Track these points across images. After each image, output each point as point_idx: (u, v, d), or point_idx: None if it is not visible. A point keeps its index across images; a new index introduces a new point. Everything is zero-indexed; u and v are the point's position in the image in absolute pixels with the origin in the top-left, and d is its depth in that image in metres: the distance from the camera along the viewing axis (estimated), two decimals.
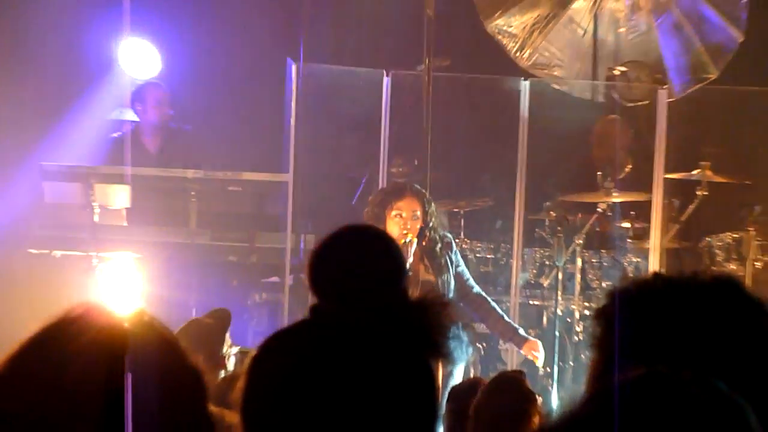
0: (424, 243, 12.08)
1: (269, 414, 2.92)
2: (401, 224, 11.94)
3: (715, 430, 2.34)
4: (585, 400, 2.44)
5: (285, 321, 13.71)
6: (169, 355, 2.88)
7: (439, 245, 12.20)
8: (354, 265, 5.01)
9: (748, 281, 14.11)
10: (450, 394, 8.77)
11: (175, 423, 2.75)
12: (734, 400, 2.39)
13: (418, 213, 12.05)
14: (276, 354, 3.02)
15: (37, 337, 2.80)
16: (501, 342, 14.00)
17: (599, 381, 3.19)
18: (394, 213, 12.00)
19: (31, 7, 15.50)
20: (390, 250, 5.48)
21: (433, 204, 12.25)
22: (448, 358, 3.04)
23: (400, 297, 3.36)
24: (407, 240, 11.83)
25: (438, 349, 3.00)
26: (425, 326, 2.98)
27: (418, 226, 12.00)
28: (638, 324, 3.20)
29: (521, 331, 12.19)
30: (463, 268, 12.40)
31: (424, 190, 12.35)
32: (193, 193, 14.16)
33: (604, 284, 14.30)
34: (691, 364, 2.57)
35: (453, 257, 12.36)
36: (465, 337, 3.22)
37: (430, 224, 12.11)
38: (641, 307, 3.24)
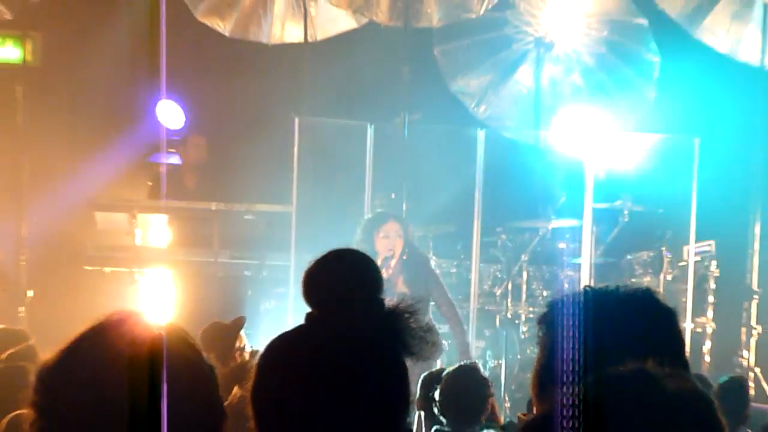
0: (405, 257, 12.29)
1: (274, 400, 2.98)
2: (387, 243, 12.19)
3: (689, 421, 2.31)
4: (564, 393, 2.38)
5: (290, 324, 14.19)
6: (191, 355, 2.82)
7: (416, 259, 12.46)
8: (339, 281, 5.02)
9: (661, 290, 14.66)
10: (421, 382, 8.92)
11: (193, 408, 2.71)
12: (705, 394, 2.38)
13: (401, 233, 12.31)
14: (279, 352, 3.08)
15: (81, 337, 2.78)
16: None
17: (541, 373, 3.27)
18: (381, 235, 12.24)
19: (84, 71, 15.84)
20: (368, 268, 5.50)
21: (409, 227, 12.53)
22: (416, 355, 3.06)
23: (378, 306, 3.18)
24: (390, 256, 12.14)
25: (407, 348, 3.03)
26: (397, 330, 3.03)
27: (401, 244, 12.28)
28: (571, 328, 3.19)
29: (465, 347, 12.41)
30: (438, 282, 12.57)
31: (402, 216, 12.76)
32: (216, 220, 14.47)
33: (545, 293, 14.54)
34: (615, 361, 2.48)
35: (428, 271, 12.61)
36: (433, 337, 3.20)
37: (410, 242, 12.40)
38: (573, 314, 3.23)
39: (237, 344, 9.75)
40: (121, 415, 2.60)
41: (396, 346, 3.02)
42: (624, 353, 2.66)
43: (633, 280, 14.59)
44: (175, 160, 15.65)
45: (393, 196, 14.28)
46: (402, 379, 3.05)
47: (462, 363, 10.45)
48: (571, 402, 2.35)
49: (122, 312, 2.86)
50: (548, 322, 3.29)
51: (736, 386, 9.04)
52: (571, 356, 3.04)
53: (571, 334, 3.12)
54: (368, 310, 3.15)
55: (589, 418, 2.30)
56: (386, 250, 12.33)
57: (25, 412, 7.66)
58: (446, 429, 8.30)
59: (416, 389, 8.80)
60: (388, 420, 2.98)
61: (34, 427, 2.68)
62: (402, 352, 3.03)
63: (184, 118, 15.64)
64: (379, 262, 12.22)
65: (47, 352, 8.39)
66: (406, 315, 3.06)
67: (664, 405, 2.30)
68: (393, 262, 12.32)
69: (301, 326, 3.16)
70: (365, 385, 2.95)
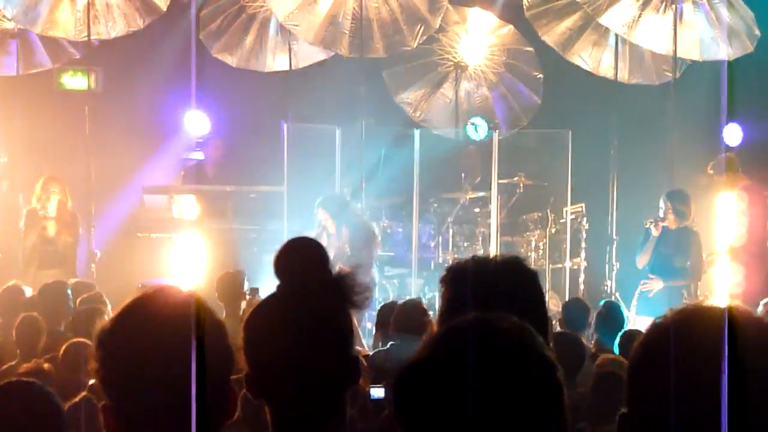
0: (341, 229, 12.61)
1: (262, 347, 2.89)
2: (321, 220, 12.74)
3: (525, 358, 2.11)
4: (430, 340, 2.20)
5: None
6: (209, 318, 2.56)
7: (352, 227, 12.74)
8: (297, 260, 5.53)
9: (547, 241, 14.87)
10: (378, 311, 9.39)
11: (213, 359, 2.48)
12: (530, 330, 2.15)
13: (326, 216, 12.72)
14: (260, 313, 3.00)
15: (131, 305, 2.56)
16: (407, 278, 14.37)
17: (441, 317, 3.24)
18: (316, 212, 12.77)
19: (134, 93, 16.01)
20: (318, 249, 5.97)
21: (341, 207, 12.82)
22: (356, 306, 2.99)
23: (328, 274, 3.05)
24: (321, 231, 12.54)
25: (350, 301, 2.98)
26: (342, 289, 2.98)
27: (332, 223, 12.64)
28: (460, 287, 3.21)
29: None
30: (362, 245, 12.75)
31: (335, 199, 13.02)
32: (230, 198, 14.67)
33: (465, 244, 14.53)
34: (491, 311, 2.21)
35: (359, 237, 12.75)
36: (366, 293, 2.97)
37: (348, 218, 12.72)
38: (463, 277, 3.24)
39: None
40: (160, 366, 2.46)
41: (342, 300, 2.97)
42: (498, 305, 2.59)
43: (527, 233, 14.78)
44: (199, 156, 15.81)
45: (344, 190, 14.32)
46: (348, 321, 2.99)
47: (408, 298, 10.63)
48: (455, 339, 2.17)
49: (159, 286, 2.67)
50: (445, 282, 3.28)
51: (614, 306, 9.46)
52: (459, 307, 3.08)
53: (460, 291, 3.18)
54: (321, 278, 3.06)
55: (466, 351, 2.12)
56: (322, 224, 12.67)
57: (84, 341, 7.58)
58: (398, 342, 8.34)
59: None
60: (342, 347, 2.95)
61: (97, 374, 2.53)
62: (346, 304, 2.99)
63: (208, 126, 15.84)
64: (319, 230, 12.58)
65: (111, 296, 8.64)
66: (348, 279, 3.01)
67: (500, 346, 2.11)
68: (324, 234, 12.55)
69: (274, 294, 3.07)
70: (324, 327, 2.93)
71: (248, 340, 2.92)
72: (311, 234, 12.58)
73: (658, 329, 2.18)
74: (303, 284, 3.04)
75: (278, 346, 2.89)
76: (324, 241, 12.24)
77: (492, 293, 3.09)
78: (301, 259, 4.09)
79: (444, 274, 3.30)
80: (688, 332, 2.08)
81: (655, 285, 12.00)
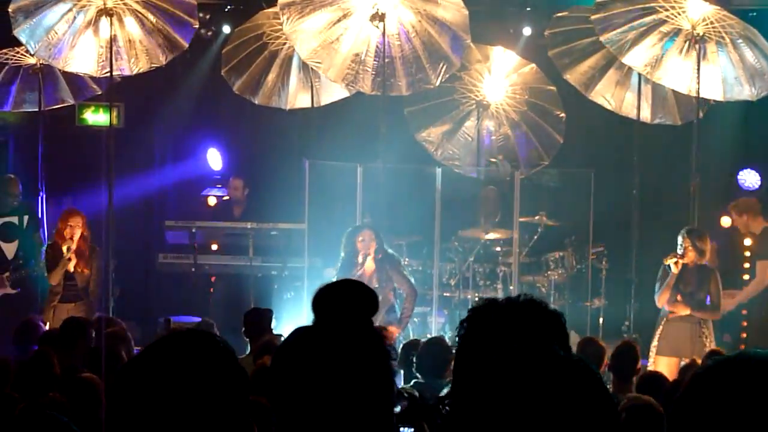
0: (379, 256, 12.45)
1: (287, 381, 2.71)
2: (363, 246, 12.38)
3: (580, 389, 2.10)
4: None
5: (305, 309, 14.36)
6: (228, 362, 2.60)
7: (387, 259, 12.59)
8: (331, 300, 4.46)
9: (568, 281, 14.89)
10: (402, 348, 9.44)
11: (226, 401, 2.54)
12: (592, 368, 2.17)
13: (373, 237, 12.44)
14: (292, 347, 2.80)
15: (153, 346, 2.62)
16: (428, 317, 14.42)
17: (459, 359, 3.16)
18: (360, 239, 12.39)
19: (154, 129, 16.16)
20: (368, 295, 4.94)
21: (381, 235, 12.63)
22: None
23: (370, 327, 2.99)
24: (367, 255, 12.39)
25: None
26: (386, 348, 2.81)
27: (374, 245, 12.48)
28: (480, 330, 3.14)
29: (406, 317, 12.58)
30: (401, 274, 12.70)
31: (375, 228, 12.79)
32: (251, 236, 14.74)
33: (486, 282, 14.52)
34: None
35: (393, 267, 12.65)
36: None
37: (382, 246, 12.55)
38: (484, 319, 3.18)
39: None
40: (175, 410, 2.49)
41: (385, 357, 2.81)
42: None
43: (548, 272, 14.77)
44: (220, 193, 15.90)
45: (367, 218, 14.29)
46: (389, 376, 2.83)
47: (433, 335, 10.66)
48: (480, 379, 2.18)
49: (185, 329, 2.75)
50: (465, 324, 3.23)
51: (629, 347, 9.43)
52: (479, 347, 3.07)
53: (480, 334, 3.14)
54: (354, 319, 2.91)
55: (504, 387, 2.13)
56: (363, 251, 12.47)
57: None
58: (421, 381, 8.35)
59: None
60: (379, 404, 2.78)
61: (112, 411, 2.59)
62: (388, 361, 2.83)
63: (222, 163, 15.92)
64: (360, 258, 12.60)
65: (131, 331, 8.76)
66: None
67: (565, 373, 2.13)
68: (369, 259, 12.45)
69: (302, 328, 2.90)
70: (365, 379, 2.75)
71: (277, 371, 2.76)
72: (338, 262, 12.69)
73: (706, 377, 2.12)
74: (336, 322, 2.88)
75: (313, 395, 2.69)
76: (358, 269, 12.47)
77: (514, 334, 3.05)
78: (337, 299, 3.90)
79: (467, 314, 3.27)
80: (737, 382, 2.03)
81: (681, 311, 12.02)
